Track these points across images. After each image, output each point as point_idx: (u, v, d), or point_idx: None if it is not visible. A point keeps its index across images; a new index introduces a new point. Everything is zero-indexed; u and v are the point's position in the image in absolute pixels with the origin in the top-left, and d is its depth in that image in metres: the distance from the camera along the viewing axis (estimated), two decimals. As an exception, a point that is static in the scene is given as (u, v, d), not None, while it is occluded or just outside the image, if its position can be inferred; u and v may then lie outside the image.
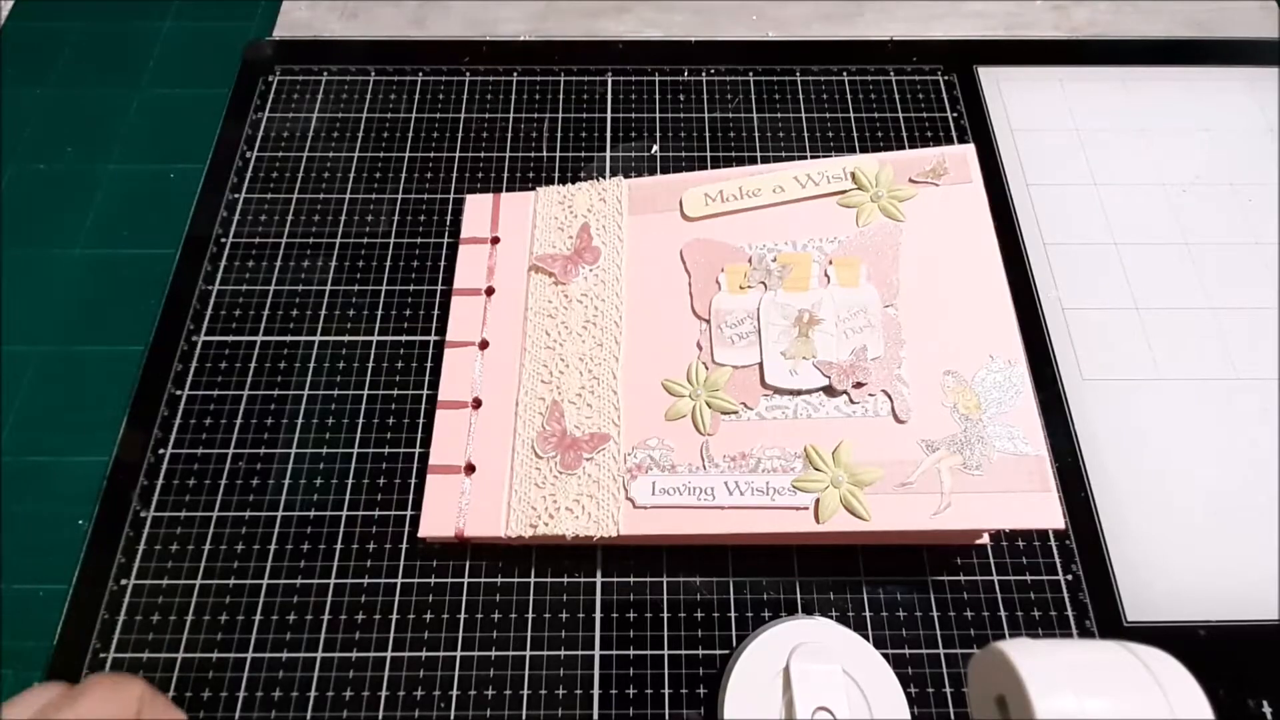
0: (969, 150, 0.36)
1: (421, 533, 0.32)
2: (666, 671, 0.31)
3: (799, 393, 0.32)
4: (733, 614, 0.32)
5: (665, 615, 0.32)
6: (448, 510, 0.32)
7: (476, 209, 0.39)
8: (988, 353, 0.32)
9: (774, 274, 0.34)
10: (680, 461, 0.31)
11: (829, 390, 0.32)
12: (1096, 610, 0.32)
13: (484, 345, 0.35)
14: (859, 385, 0.32)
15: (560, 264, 0.36)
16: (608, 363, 0.34)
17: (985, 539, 0.33)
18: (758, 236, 0.35)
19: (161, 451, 0.35)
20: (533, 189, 0.39)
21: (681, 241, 0.36)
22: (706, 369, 0.33)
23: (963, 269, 0.34)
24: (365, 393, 0.37)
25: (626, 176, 0.42)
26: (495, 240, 0.38)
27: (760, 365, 0.32)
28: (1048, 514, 0.29)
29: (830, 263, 0.34)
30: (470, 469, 0.33)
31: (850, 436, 0.31)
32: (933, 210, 0.35)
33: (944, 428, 0.31)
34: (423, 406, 0.36)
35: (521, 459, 0.32)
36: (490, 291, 0.36)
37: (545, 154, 0.43)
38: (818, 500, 0.30)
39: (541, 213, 0.38)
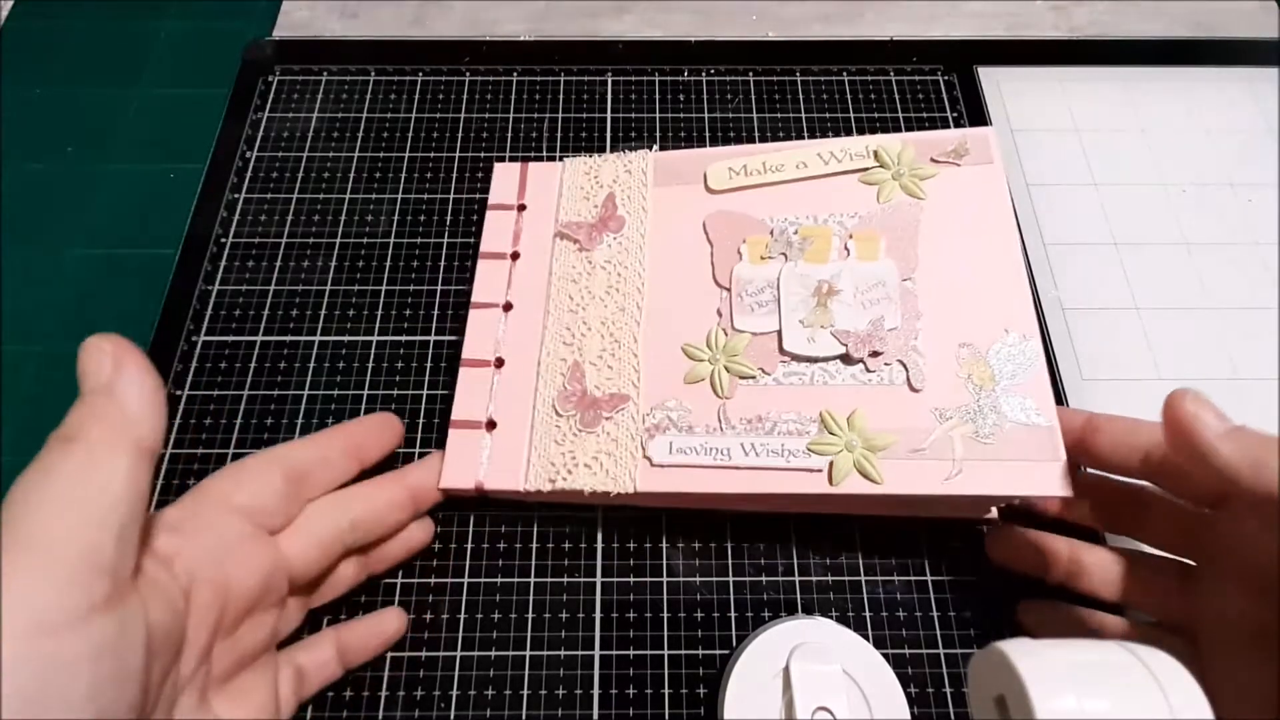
0: (990, 132, 0.36)
1: (442, 484, 0.32)
2: (666, 671, 0.31)
3: (816, 360, 0.32)
4: (733, 614, 0.32)
5: (665, 615, 0.32)
6: (468, 464, 0.32)
7: (505, 176, 0.39)
8: (1003, 327, 0.32)
9: (795, 246, 0.34)
10: (698, 423, 0.32)
11: (845, 358, 0.32)
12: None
13: (508, 307, 0.36)
14: (875, 354, 0.32)
15: (585, 231, 0.36)
16: (629, 327, 0.34)
17: (994, 513, 0.33)
18: (780, 210, 0.36)
19: (162, 451, 0.35)
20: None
21: (705, 213, 0.36)
22: (726, 335, 0.33)
23: (981, 246, 0.34)
24: (365, 393, 0.37)
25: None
26: (522, 207, 0.38)
27: (779, 333, 0.33)
28: (1058, 482, 0.29)
29: (850, 237, 0.35)
30: (491, 425, 0.33)
31: (865, 404, 0.31)
32: (953, 189, 0.35)
33: (957, 397, 0.31)
34: (423, 408, 0.36)
35: (542, 417, 0.33)
36: (515, 256, 0.37)
37: (545, 154, 0.43)
38: (831, 463, 0.30)
39: (568, 182, 0.38)
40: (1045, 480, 0.29)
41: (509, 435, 0.33)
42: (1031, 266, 0.40)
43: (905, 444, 0.30)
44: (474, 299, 0.36)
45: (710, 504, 0.33)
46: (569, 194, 0.38)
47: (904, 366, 0.32)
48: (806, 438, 0.31)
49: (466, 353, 0.35)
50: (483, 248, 0.37)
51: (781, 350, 0.33)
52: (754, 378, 0.32)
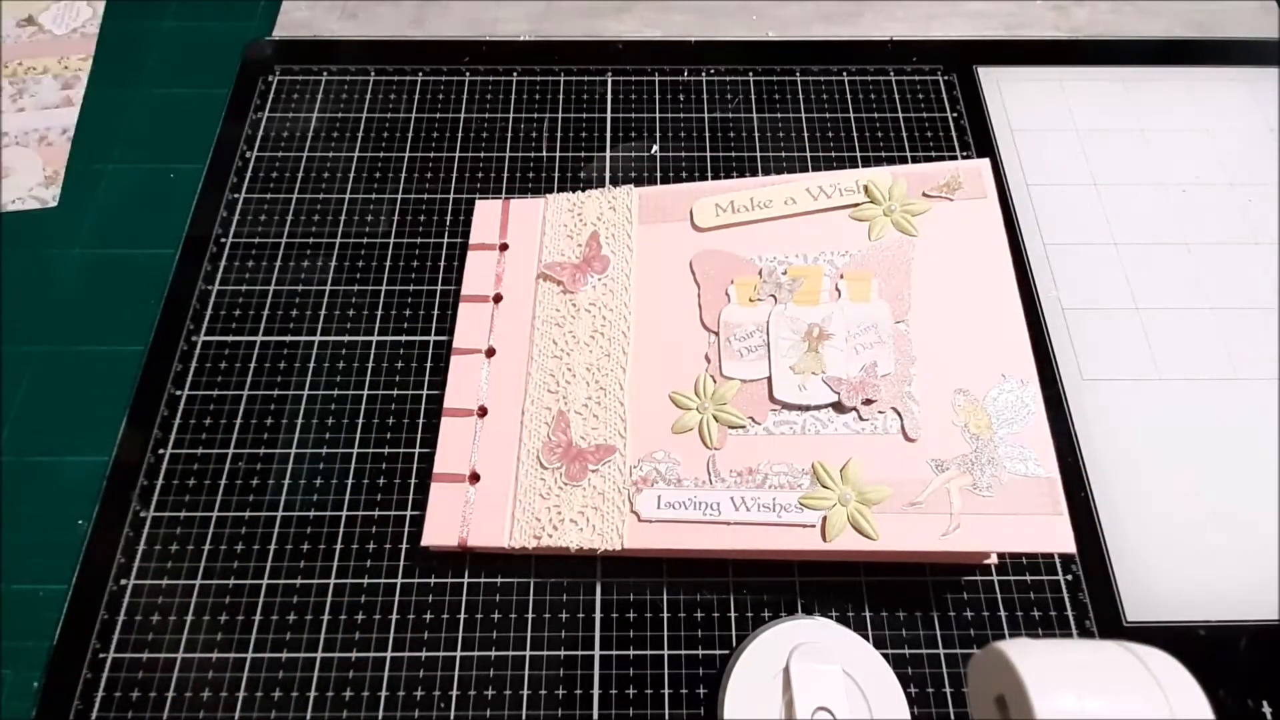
0: (984, 165, 0.35)
1: (425, 541, 0.32)
2: (666, 672, 0.31)
3: (807, 408, 0.32)
4: (733, 614, 0.32)
5: (665, 615, 0.32)
6: (451, 519, 0.32)
7: (486, 214, 0.39)
8: (1000, 372, 0.31)
9: (784, 287, 0.34)
10: (686, 475, 0.31)
11: (838, 406, 0.32)
12: (1096, 610, 0.32)
13: (490, 353, 0.35)
14: (868, 402, 0.31)
15: (569, 272, 0.36)
16: (615, 373, 0.34)
17: (993, 559, 0.33)
18: (768, 248, 0.35)
19: (161, 451, 0.35)
20: (534, 189, 0.39)
21: (691, 252, 0.36)
22: (714, 382, 0.33)
23: (976, 286, 0.33)
24: (365, 393, 0.37)
25: (627, 176, 0.42)
26: (504, 247, 0.38)
27: (769, 379, 0.32)
28: (1059, 538, 0.28)
29: (841, 277, 0.34)
30: (475, 478, 0.33)
31: (859, 454, 0.31)
32: (946, 225, 0.35)
33: (954, 447, 0.30)
34: (423, 407, 0.36)
35: (526, 469, 0.32)
36: (498, 299, 0.36)
37: (545, 154, 0.43)
38: (824, 518, 0.30)
39: (551, 220, 0.38)
40: (1047, 536, 0.28)
41: (492, 488, 0.32)
42: (1031, 267, 0.40)
43: (901, 497, 0.30)
44: (455, 345, 0.35)
45: (702, 556, 0.33)
46: (552, 232, 0.37)
47: (898, 414, 0.31)
48: (799, 491, 0.30)
49: (448, 401, 0.34)
50: (464, 290, 0.37)
51: (772, 398, 0.32)
52: (744, 427, 0.32)
